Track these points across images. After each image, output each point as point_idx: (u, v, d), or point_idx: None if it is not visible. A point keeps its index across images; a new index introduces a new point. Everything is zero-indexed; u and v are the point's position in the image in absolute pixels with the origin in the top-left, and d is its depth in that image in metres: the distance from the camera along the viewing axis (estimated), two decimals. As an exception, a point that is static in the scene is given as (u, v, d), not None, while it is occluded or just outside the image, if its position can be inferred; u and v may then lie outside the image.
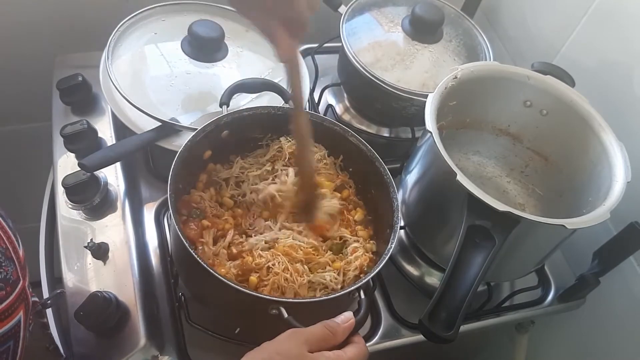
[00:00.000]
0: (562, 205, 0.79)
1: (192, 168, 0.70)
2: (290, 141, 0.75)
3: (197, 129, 0.68)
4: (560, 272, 0.89)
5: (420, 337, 0.74)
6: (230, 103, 0.75)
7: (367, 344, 0.73)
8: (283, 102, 0.79)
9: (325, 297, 0.60)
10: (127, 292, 0.70)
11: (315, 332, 0.52)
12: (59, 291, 0.66)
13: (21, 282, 0.52)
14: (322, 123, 0.74)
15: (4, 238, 0.52)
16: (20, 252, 0.55)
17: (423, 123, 0.68)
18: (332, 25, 0.92)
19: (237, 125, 0.71)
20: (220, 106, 0.74)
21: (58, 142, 0.83)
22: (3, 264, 0.49)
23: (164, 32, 0.89)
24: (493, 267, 0.60)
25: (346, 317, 0.54)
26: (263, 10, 0.56)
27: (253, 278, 0.63)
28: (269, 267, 0.63)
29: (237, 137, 0.73)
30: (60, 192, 0.78)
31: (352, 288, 0.60)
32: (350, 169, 0.77)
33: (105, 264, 0.73)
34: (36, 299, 0.59)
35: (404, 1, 0.96)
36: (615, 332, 0.87)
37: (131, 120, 0.81)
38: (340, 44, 0.90)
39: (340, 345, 0.53)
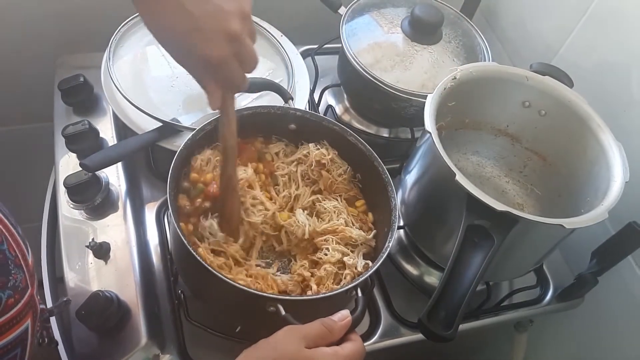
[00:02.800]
0: (560, 205, 0.79)
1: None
2: (319, 149, 0.75)
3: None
4: (558, 271, 0.89)
5: (419, 336, 0.75)
6: (231, 103, 0.76)
7: (366, 343, 0.75)
8: (283, 102, 0.79)
9: (323, 295, 0.60)
10: (129, 291, 0.70)
11: (312, 328, 0.52)
12: (65, 299, 0.66)
13: (30, 289, 0.52)
14: (321, 123, 0.74)
15: (14, 245, 0.52)
16: (30, 260, 0.55)
17: (422, 123, 0.68)
18: (332, 26, 0.92)
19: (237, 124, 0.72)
20: (221, 106, 0.74)
21: (60, 142, 0.83)
22: (12, 272, 0.49)
23: (164, 33, 0.90)
24: (492, 266, 0.61)
25: (343, 315, 0.55)
26: (196, 67, 0.57)
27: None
28: None
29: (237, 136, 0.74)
30: (62, 192, 0.78)
31: (350, 286, 0.60)
32: (350, 169, 0.77)
33: (106, 263, 0.73)
34: (43, 306, 0.59)
35: (404, 2, 0.96)
36: (614, 331, 0.87)
37: (132, 120, 0.81)
38: (340, 45, 0.90)
39: (338, 343, 0.54)
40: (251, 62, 0.58)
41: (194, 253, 0.57)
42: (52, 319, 0.73)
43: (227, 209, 0.68)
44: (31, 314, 0.52)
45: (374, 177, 0.72)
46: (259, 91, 0.83)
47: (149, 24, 0.55)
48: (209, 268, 0.57)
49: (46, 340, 0.62)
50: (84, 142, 0.81)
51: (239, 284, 0.57)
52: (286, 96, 0.79)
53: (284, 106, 0.75)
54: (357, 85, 0.90)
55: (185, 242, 0.58)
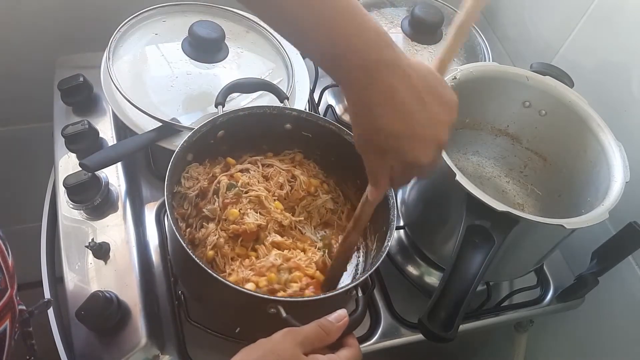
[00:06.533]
0: (561, 205, 0.79)
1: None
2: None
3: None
4: (559, 271, 0.89)
5: (419, 336, 0.75)
6: (233, 103, 0.76)
7: (367, 343, 0.75)
8: (279, 102, 0.79)
9: (323, 296, 0.60)
10: (128, 291, 0.70)
11: (310, 332, 0.52)
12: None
13: (9, 291, 0.52)
14: (317, 122, 0.74)
15: None
16: (10, 261, 0.54)
17: (422, 123, 0.68)
18: (332, 26, 0.92)
19: (233, 125, 0.72)
20: (216, 106, 0.74)
21: (59, 142, 0.83)
22: None
23: (164, 33, 0.90)
24: (492, 266, 0.61)
25: (340, 315, 0.55)
26: (383, 164, 0.54)
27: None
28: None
29: (233, 137, 0.74)
30: (62, 192, 0.78)
31: (350, 286, 0.60)
32: (347, 168, 0.77)
33: (106, 263, 0.73)
34: (23, 307, 0.59)
35: (404, 2, 0.96)
36: (614, 332, 0.87)
37: (132, 120, 0.81)
38: (340, 45, 0.90)
39: (335, 344, 0.54)
40: (433, 174, 0.59)
41: (193, 256, 0.57)
42: (52, 318, 0.73)
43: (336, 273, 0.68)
44: (9, 315, 0.52)
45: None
46: (254, 91, 0.83)
47: (358, 118, 0.51)
48: (209, 271, 0.56)
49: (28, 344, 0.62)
50: (84, 142, 0.81)
51: (239, 286, 0.57)
52: (282, 96, 0.79)
53: (280, 106, 0.75)
54: (357, 85, 0.90)
55: (184, 244, 0.58)
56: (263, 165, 0.76)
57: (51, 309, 0.74)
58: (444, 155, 0.64)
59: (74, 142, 0.81)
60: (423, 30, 0.91)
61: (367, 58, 0.47)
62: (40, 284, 0.79)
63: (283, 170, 0.76)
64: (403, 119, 0.49)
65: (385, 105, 0.49)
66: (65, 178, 0.76)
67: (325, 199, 0.76)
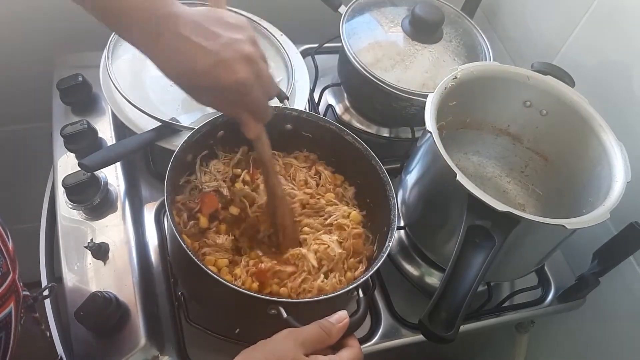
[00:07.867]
0: (562, 205, 0.79)
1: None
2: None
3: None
4: (560, 272, 0.89)
5: (420, 337, 0.75)
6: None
7: (367, 344, 0.74)
8: (279, 102, 0.79)
9: (324, 297, 0.60)
10: (127, 292, 0.70)
11: (311, 333, 0.52)
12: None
13: (11, 274, 0.53)
14: (317, 122, 0.74)
15: None
16: (10, 246, 0.55)
17: (423, 123, 0.68)
18: (332, 25, 0.92)
19: (232, 125, 0.71)
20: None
21: (58, 142, 0.83)
22: None
23: (164, 32, 0.89)
24: (493, 267, 0.60)
25: (340, 317, 0.54)
26: (226, 103, 0.60)
27: None
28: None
29: (233, 137, 0.73)
30: (61, 192, 0.78)
31: (351, 287, 0.60)
32: (347, 168, 0.77)
33: (105, 264, 0.73)
34: (27, 292, 0.59)
35: (404, 1, 0.96)
36: (615, 332, 0.87)
37: (131, 120, 0.81)
38: (340, 44, 0.90)
39: (336, 345, 0.54)
40: (271, 86, 0.62)
41: (193, 256, 0.57)
42: (51, 318, 0.73)
43: (279, 217, 0.69)
44: (14, 298, 0.53)
45: (372, 176, 0.71)
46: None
47: (169, 72, 0.56)
48: (209, 272, 0.56)
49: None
50: (83, 142, 0.81)
51: (239, 287, 0.56)
52: (281, 96, 0.78)
53: (280, 106, 0.74)
54: (358, 85, 0.90)
55: (184, 245, 0.57)
56: (285, 165, 0.77)
57: (50, 310, 0.74)
58: (445, 154, 0.64)
59: (73, 142, 0.81)
60: (424, 29, 0.90)
61: (154, 14, 0.53)
62: (39, 284, 0.78)
63: (303, 168, 0.76)
64: (203, 55, 0.54)
65: (185, 52, 0.54)
66: (64, 178, 0.76)
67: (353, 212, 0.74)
